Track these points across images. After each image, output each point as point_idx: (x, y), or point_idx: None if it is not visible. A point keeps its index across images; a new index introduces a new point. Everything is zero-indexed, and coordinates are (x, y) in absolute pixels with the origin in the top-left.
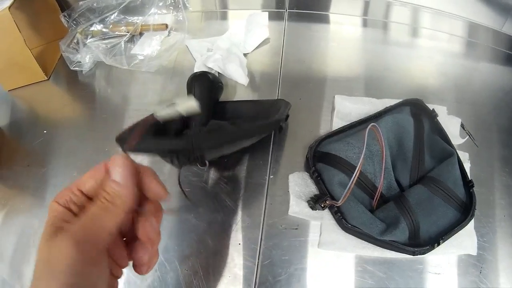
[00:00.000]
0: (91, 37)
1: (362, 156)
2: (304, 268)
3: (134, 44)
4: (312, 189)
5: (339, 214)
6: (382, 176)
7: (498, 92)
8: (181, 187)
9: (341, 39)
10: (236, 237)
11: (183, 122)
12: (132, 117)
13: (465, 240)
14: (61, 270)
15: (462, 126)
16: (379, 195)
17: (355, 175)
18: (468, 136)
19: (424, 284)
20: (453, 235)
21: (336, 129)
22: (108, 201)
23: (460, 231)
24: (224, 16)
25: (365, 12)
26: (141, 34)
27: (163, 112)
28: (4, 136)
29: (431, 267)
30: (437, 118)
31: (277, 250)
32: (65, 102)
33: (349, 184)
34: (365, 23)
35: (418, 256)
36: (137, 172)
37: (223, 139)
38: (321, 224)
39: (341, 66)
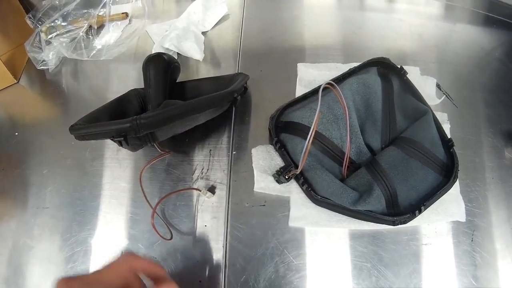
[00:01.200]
0: (55, 33)
1: (317, 114)
2: (275, 246)
3: (97, 36)
4: (277, 162)
5: (307, 185)
6: (349, 139)
7: (479, 52)
8: (140, 183)
9: (304, 7)
10: (203, 219)
11: (141, 106)
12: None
13: (451, 206)
14: None
15: (438, 86)
16: (347, 161)
17: (310, 135)
18: (445, 96)
19: (410, 256)
20: (436, 200)
21: (298, 97)
22: None
23: (445, 196)
24: None
25: None
26: (103, 25)
27: None
28: None
29: (417, 238)
30: (407, 76)
31: (245, 230)
32: (35, 102)
33: (305, 147)
34: None
35: (401, 226)
36: None
37: (168, 113)
38: (290, 199)
39: (307, 35)
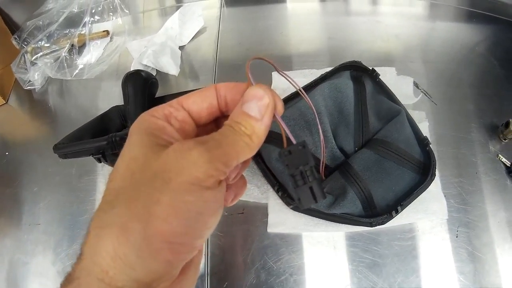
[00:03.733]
0: (40, 53)
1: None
2: (256, 252)
3: (80, 55)
4: (254, 169)
5: (282, 192)
6: (322, 144)
7: (459, 48)
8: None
9: (281, 16)
10: None
11: (122, 122)
12: None
13: (432, 204)
14: (189, 181)
15: (416, 84)
16: (323, 167)
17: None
18: (422, 94)
19: (393, 256)
20: (413, 199)
21: None
22: (246, 134)
23: (425, 194)
24: (164, 13)
25: None
26: (85, 44)
27: None
28: None
29: (399, 238)
30: (380, 77)
31: (226, 238)
32: (24, 122)
33: (321, 141)
34: None
35: (381, 226)
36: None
37: None
38: (267, 205)
39: (283, 43)
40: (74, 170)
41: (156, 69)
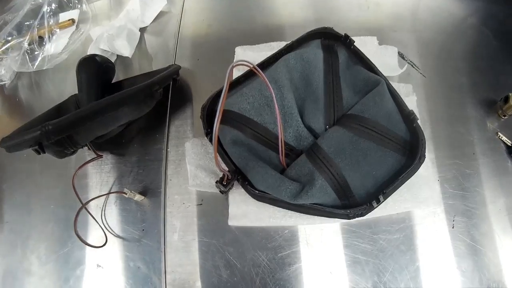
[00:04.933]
0: (6, 48)
1: (223, 94)
2: (216, 249)
3: (45, 46)
4: (211, 155)
5: (242, 179)
6: (279, 121)
7: (449, 19)
8: (74, 188)
9: None
10: (140, 223)
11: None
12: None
13: (422, 191)
14: None
15: (401, 55)
16: (283, 148)
17: (217, 115)
18: (408, 65)
19: (377, 252)
20: (399, 186)
21: (230, 81)
22: None
23: (414, 179)
24: None
25: None
26: (52, 35)
27: None
28: None
29: (384, 230)
30: (355, 45)
31: (185, 232)
32: None
33: (214, 127)
34: None
35: (361, 218)
36: None
37: (76, 116)
38: (228, 196)
39: (247, 17)
40: (37, 165)
41: (117, 54)
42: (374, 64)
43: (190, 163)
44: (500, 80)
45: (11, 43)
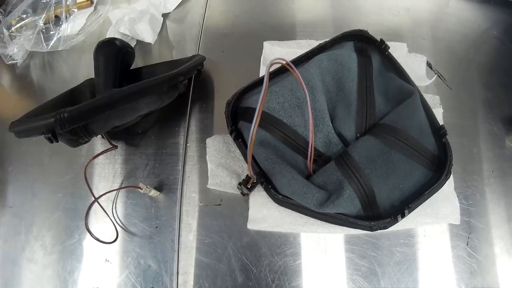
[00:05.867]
0: (17, 28)
1: (262, 93)
2: (233, 252)
3: (61, 26)
4: (236, 154)
5: (266, 183)
6: (311, 126)
7: (475, 29)
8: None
9: None
10: (154, 220)
11: (93, 96)
12: None
13: (443, 206)
14: None
15: (429, 65)
16: (312, 154)
17: (255, 121)
18: (436, 76)
19: (394, 265)
20: (424, 201)
21: (257, 79)
22: None
23: (436, 195)
24: None
25: None
26: (69, 15)
27: None
28: None
29: (402, 243)
30: (389, 51)
31: (199, 232)
32: (6, 97)
33: (249, 138)
34: None
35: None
36: None
37: (94, 104)
38: (248, 198)
39: (277, 11)
40: (47, 148)
41: (136, 39)
42: (407, 73)
43: (211, 161)
44: None
45: (26, 21)
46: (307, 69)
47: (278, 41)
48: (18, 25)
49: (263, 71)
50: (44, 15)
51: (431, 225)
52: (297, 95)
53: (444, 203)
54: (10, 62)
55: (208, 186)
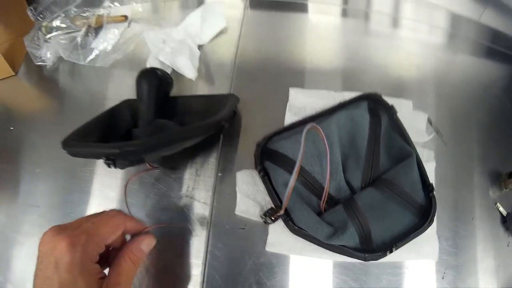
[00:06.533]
0: (55, 31)
1: (299, 158)
2: (251, 268)
3: (95, 38)
4: (260, 187)
5: (285, 216)
6: (328, 178)
7: (477, 86)
8: (125, 195)
9: (303, 27)
10: (183, 236)
11: (133, 118)
12: (94, 113)
13: (425, 246)
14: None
15: (430, 121)
16: (326, 197)
17: (293, 178)
18: (435, 133)
19: None
20: (408, 241)
21: (285, 126)
22: (133, 261)
23: (420, 236)
24: (185, 6)
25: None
26: (101, 27)
27: None
28: None
29: (388, 272)
30: (397, 114)
31: (224, 249)
32: (32, 98)
33: (288, 190)
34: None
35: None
36: None
37: (156, 141)
38: (269, 225)
39: (303, 57)
40: (79, 158)
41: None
42: (408, 135)
43: (240, 191)
44: (510, 153)
45: (61, 29)
46: (328, 124)
47: (301, 89)
48: (55, 32)
49: (288, 117)
50: (85, 27)
51: (414, 260)
52: (318, 148)
53: (426, 243)
54: (40, 63)
55: (235, 213)
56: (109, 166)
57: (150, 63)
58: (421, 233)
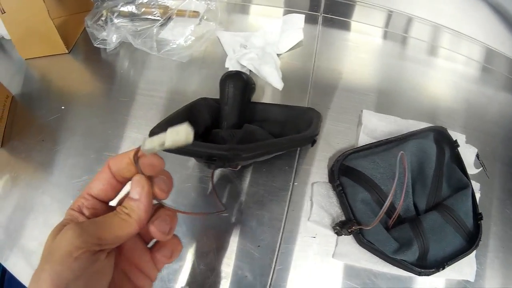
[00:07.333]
0: (118, 16)
1: (394, 185)
2: (318, 276)
3: (162, 28)
4: (333, 200)
5: (359, 229)
6: (402, 199)
7: None
8: (215, 191)
9: (371, 51)
10: (256, 239)
11: (212, 118)
12: (155, 104)
13: (465, 267)
14: (62, 254)
15: (477, 156)
16: (396, 216)
17: (387, 204)
18: (482, 167)
19: None
20: (457, 261)
21: (363, 145)
22: (125, 213)
23: (464, 259)
24: (255, 12)
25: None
26: (170, 19)
27: (149, 146)
28: (16, 105)
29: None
30: (458, 148)
31: (294, 256)
32: (85, 79)
33: (381, 212)
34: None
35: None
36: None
37: (260, 150)
38: (337, 236)
39: (367, 79)
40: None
41: (250, 70)
42: (465, 167)
43: (316, 202)
44: None
45: (130, 15)
46: (403, 150)
47: (373, 112)
48: (124, 19)
49: (362, 138)
50: (162, 19)
51: (455, 278)
52: (393, 170)
53: (467, 264)
54: (99, 45)
55: (308, 221)
56: (208, 166)
57: (230, 66)
58: (467, 255)
